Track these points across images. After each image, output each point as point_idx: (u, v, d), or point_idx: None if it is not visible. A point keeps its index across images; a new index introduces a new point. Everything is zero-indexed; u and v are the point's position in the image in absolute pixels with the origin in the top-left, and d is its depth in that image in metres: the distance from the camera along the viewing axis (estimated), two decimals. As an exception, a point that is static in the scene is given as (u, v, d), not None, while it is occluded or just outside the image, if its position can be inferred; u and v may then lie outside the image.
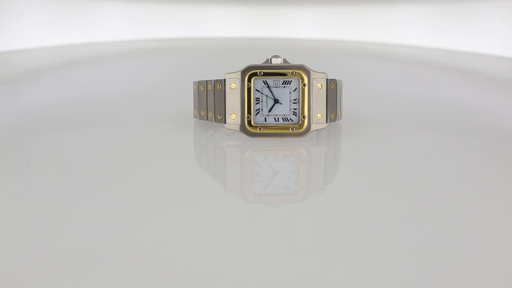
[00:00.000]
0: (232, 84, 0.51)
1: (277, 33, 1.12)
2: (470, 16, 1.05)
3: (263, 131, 0.51)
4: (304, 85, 0.50)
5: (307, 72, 0.51)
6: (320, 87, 0.51)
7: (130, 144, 0.52)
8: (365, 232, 0.38)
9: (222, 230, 0.38)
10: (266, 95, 0.51)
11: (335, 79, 0.52)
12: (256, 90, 0.51)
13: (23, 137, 0.54)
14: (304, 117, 0.51)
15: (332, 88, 0.51)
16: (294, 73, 0.50)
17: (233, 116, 0.51)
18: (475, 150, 0.54)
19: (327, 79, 0.51)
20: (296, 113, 0.51)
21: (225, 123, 0.51)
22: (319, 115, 0.51)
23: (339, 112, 0.53)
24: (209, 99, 0.53)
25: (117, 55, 1.00)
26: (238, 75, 0.51)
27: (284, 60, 0.51)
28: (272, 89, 0.51)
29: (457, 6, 1.07)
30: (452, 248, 0.36)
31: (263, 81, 0.51)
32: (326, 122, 0.51)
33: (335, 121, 0.52)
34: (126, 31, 1.08)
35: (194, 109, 0.55)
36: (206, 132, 0.55)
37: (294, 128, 0.51)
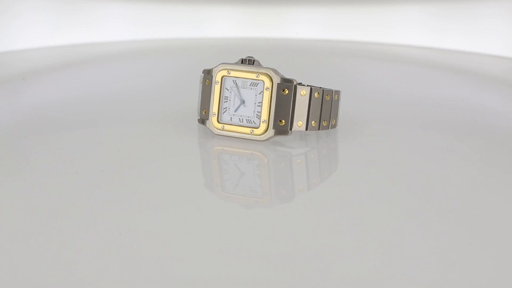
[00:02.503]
0: (207, 80, 0.51)
1: (277, 33, 1.12)
2: (470, 16, 1.05)
3: (226, 129, 0.51)
4: (267, 89, 0.49)
5: (272, 77, 0.49)
6: (285, 93, 0.49)
7: (128, 144, 0.52)
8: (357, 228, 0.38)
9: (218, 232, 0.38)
10: (235, 95, 0.50)
11: (318, 88, 0.50)
12: (226, 88, 0.50)
13: (23, 137, 0.54)
14: (263, 121, 0.49)
15: (304, 95, 0.49)
16: (259, 75, 0.49)
17: (204, 112, 0.51)
18: (475, 150, 0.54)
19: (295, 86, 0.49)
20: (259, 116, 0.50)
21: (198, 117, 0.52)
22: (281, 121, 0.49)
23: (314, 122, 0.50)
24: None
25: (117, 55, 0.99)
26: (211, 71, 0.51)
27: (257, 62, 0.50)
28: (240, 89, 0.50)
29: (457, 6, 1.07)
30: (454, 250, 0.37)
31: (233, 80, 0.50)
32: (290, 129, 0.50)
33: (305, 130, 0.50)
34: (126, 31, 1.08)
35: None
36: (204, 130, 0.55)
37: (254, 131, 0.50)
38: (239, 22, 1.12)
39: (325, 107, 0.51)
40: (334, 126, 0.53)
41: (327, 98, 0.51)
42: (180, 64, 0.90)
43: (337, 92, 0.52)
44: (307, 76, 0.76)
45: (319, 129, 0.51)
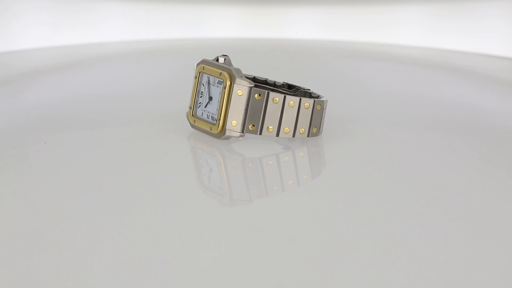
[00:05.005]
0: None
1: (277, 33, 1.12)
2: (470, 16, 1.05)
3: (196, 123, 0.52)
4: (224, 88, 0.49)
5: (231, 76, 0.49)
6: (240, 94, 0.48)
7: (126, 143, 0.53)
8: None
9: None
10: (207, 91, 0.51)
11: (279, 93, 0.49)
12: (202, 84, 0.51)
13: (23, 136, 0.54)
14: (218, 120, 0.49)
15: (258, 99, 0.48)
16: (222, 73, 0.49)
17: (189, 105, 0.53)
18: (475, 150, 0.54)
19: (250, 88, 0.48)
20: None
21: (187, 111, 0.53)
22: (234, 122, 0.49)
23: (271, 127, 0.49)
24: None
25: (117, 55, 0.99)
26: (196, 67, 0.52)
27: (228, 60, 0.50)
28: (211, 86, 0.50)
29: (457, 6, 1.07)
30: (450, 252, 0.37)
31: (207, 77, 0.51)
32: (242, 131, 0.49)
33: (259, 134, 0.49)
34: (126, 31, 1.08)
35: None
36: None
37: (212, 128, 0.50)
38: (239, 22, 1.13)
39: (288, 114, 0.49)
40: (304, 135, 0.51)
41: (291, 105, 0.49)
42: (179, 64, 0.89)
43: (309, 101, 0.50)
44: (307, 76, 0.76)
45: (277, 135, 0.50)
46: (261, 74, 0.56)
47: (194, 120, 0.52)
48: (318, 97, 0.53)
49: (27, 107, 0.66)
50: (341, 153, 0.52)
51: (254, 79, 0.56)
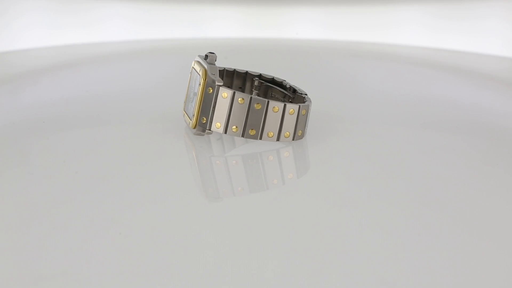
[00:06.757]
0: None
1: (277, 33, 1.12)
2: (470, 16, 1.05)
3: (184, 117, 0.53)
4: (199, 84, 0.49)
5: (205, 74, 0.49)
6: (210, 92, 0.49)
7: (126, 143, 0.53)
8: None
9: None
10: (194, 87, 0.51)
11: (245, 94, 0.48)
12: (193, 80, 0.52)
13: (23, 136, 0.54)
14: (193, 115, 0.50)
15: (224, 98, 0.48)
16: (200, 70, 0.50)
17: None
18: (475, 149, 0.54)
19: (217, 86, 0.48)
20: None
21: None
22: (203, 118, 0.49)
23: (236, 127, 0.49)
24: None
25: (117, 55, 1.00)
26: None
27: (211, 58, 0.50)
28: (195, 83, 0.51)
29: (457, 6, 1.07)
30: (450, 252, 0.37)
31: (196, 73, 0.51)
32: (209, 129, 0.49)
33: (224, 133, 0.49)
34: (126, 31, 1.08)
35: None
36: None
37: (190, 123, 0.51)
38: (239, 22, 1.13)
39: (254, 115, 0.49)
40: (273, 139, 0.50)
41: (257, 107, 0.49)
42: (179, 64, 0.89)
43: (279, 105, 0.49)
44: (307, 76, 0.76)
45: (243, 136, 0.49)
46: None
47: (184, 114, 0.53)
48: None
49: (27, 107, 0.66)
50: (329, 153, 0.52)
51: (272, 80, 0.56)
